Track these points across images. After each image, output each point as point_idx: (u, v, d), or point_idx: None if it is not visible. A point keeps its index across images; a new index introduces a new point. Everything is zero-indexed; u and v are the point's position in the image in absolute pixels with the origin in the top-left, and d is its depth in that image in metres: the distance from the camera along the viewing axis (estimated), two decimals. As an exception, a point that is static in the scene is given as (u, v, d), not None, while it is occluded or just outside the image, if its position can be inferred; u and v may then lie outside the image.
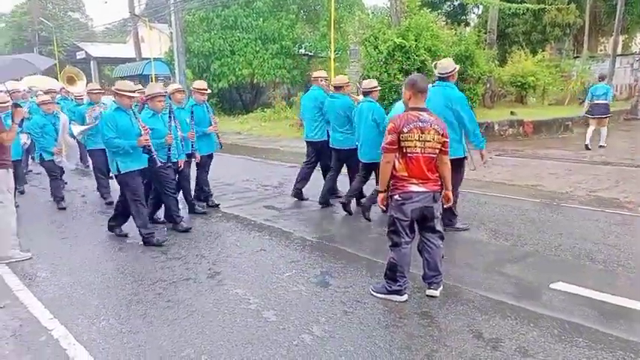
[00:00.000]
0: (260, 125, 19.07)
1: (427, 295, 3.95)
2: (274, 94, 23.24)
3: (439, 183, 3.83)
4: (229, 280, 4.42)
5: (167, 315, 3.75)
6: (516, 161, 10.06)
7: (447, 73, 5.38)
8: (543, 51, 19.14)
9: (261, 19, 21.81)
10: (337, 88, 6.69)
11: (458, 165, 5.19)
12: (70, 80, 12.18)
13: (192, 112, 6.40)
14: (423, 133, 3.66)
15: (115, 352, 3.24)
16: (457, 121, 5.24)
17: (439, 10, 19.25)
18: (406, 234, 3.81)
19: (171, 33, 22.12)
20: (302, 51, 23.98)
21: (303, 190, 7.30)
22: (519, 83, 17.06)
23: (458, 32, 15.84)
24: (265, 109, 21.37)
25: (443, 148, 3.76)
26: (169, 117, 5.76)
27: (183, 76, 20.97)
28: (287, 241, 5.51)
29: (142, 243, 5.45)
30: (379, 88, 6.38)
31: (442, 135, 3.73)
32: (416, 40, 13.09)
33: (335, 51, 16.13)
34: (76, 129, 7.23)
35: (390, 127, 3.72)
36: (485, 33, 16.72)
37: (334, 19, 14.00)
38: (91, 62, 32.65)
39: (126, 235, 5.73)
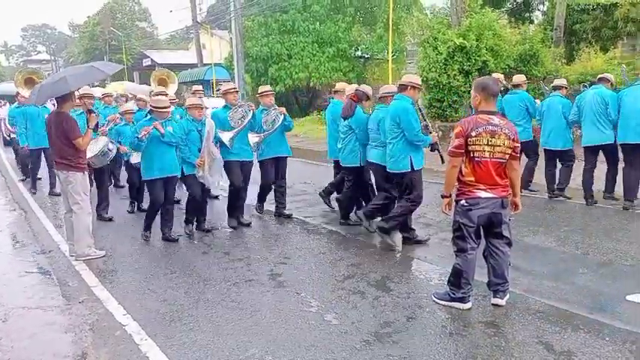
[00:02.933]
0: (317, 128, 19.22)
1: (492, 304, 3.83)
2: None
3: (508, 189, 3.71)
4: (290, 282, 4.49)
5: (232, 315, 3.86)
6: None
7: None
8: (615, 48, 18.06)
9: (318, 23, 22.00)
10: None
11: None
12: (162, 83, 10.92)
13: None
14: (493, 137, 3.55)
15: (184, 349, 3.36)
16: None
17: (502, 8, 18.63)
18: (472, 240, 3.71)
19: (231, 39, 22.79)
20: (358, 53, 23.96)
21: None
22: (588, 83, 16.17)
23: (522, 31, 15.26)
24: (321, 112, 21.52)
25: (513, 154, 3.64)
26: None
27: (242, 80, 21.53)
28: (346, 245, 5.52)
29: (205, 243, 5.68)
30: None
31: (513, 140, 3.60)
32: (477, 40, 12.75)
33: (392, 53, 15.97)
34: (225, 135, 6.02)
35: (458, 131, 3.63)
36: (551, 30, 15.99)
37: (392, 20, 13.87)
38: (156, 68, 34.23)
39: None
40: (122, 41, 37.45)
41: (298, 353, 3.25)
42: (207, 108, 6.80)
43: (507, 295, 3.85)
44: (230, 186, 6.24)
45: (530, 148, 7.27)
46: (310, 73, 21.78)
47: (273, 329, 3.59)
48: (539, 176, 7.46)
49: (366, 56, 24.09)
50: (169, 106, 5.76)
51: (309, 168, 11.04)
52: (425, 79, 13.82)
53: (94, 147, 6.26)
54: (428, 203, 7.23)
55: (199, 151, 5.83)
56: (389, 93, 5.57)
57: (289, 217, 6.66)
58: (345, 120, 5.81)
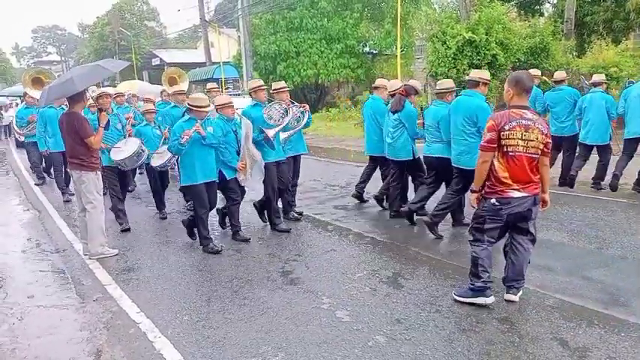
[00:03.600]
0: (325, 125, 19.22)
1: (505, 300, 3.80)
2: (339, 94, 23.34)
3: (539, 185, 3.64)
4: (302, 279, 4.50)
5: (244, 312, 3.87)
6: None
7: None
8: (627, 40, 17.83)
9: (325, 19, 21.97)
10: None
11: None
12: (173, 82, 10.66)
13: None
14: (527, 131, 3.47)
15: (197, 346, 3.39)
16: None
17: (511, 2, 18.47)
18: (492, 236, 3.69)
19: (239, 37, 22.83)
20: (366, 49, 23.89)
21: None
22: (628, 79, 15.95)
23: (531, 23, 15.13)
24: (330, 109, 21.50)
25: (545, 149, 3.57)
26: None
27: (250, 78, 21.56)
28: (357, 242, 5.51)
29: (217, 241, 5.70)
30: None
31: (546, 135, 3.54)
32: (486, 34, 12.68)
33: (401, 48, 15.90)
34: (271, 132, 5.69)
35: (490, 125, 3.54)
36: (562, 23, 15.83)
37: (400, 15, 13.81)
38: (165, 68, 34.40)
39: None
40: (131, 41, 37.67)
41: (310, 350, 3.26)
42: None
43: (520, 292, 3.82)
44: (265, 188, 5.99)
45: (574, 142, 7.47)
46: (318, 70, 21.78)
47: (286, 326, 3.60)
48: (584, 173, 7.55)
49: (374, 52, 24.04)
50: (209, 105, 5.34)
51: (318, 165, 11.04)
52: (434, 73, 13.77)
53: (125, 148, 6.14)
54: (437, 199, 7.21)
55: (238, 153, 5.52)
56: (448, 89, 5.59)
57: (300, 215, 6.62)
58: (394, 114, 5.92)
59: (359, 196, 7.19)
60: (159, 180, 6.92)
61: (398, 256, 5.00)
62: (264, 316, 3.79)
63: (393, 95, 6.14)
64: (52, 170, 9.36)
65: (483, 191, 3.67)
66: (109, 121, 5.55)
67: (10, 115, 15.43)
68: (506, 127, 3.48)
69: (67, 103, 5.39)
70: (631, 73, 16.64)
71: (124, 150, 6.09)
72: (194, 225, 5.54)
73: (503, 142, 3.50)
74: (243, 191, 5.86)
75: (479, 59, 12.76)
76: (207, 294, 4.26)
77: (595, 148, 7.29)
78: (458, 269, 4.56)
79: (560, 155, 7.59)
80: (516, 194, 3.54)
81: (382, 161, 6.72)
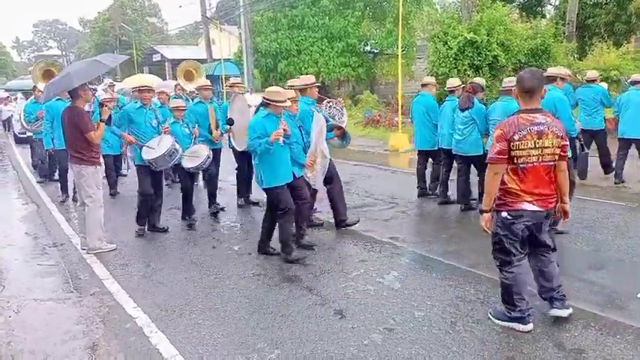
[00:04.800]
0: (326, 123, 19.18)
1: (552, 316, 3.46)
2: (339, 93, 23.31)
3: (556, 198, 3.34)
4: (299, 276, 4.50)
5: (241, 308, 3.88)
6: (597, 160, 9.44)
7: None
8: (628, 43, 17.83)
9: (327, 18, 21.92)
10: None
11: None
12: (188, 76, 9.97)
13: None
14: (540, 138, 3.15)
15: (193, 341, 3.39)
16: None
17: (513, 3, 18.47)
18: (517, 250, 3.35)
19: (240, 34, 22.80)
20: (367, 48, 23.86)
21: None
22: (601, 78, 15.97)
23: (533, 25, 15.11)
24: (332, 108, 21.45)
25: (562, 153, 3.25)
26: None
27: (251, 75, 21.55)
28: (355, 240, 5.51)
29: (214, 237, 5.72)
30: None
31: (562, 138, 3.22)
32: (488, 35, 12.67)
33: (402, 48, 15.88)
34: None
35: (498, 135, 3.22)
36: (564, 25, 15.82)
37: (401, 15, 13.79)
38: (166, 64, 34.37)
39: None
40: (132, 37, 37.62)
41: (306, 348, 3.26)
42: (250, 106, 6.04)
43: (570, 309, 3.46)
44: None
45: (602, 137, 7.99)
46: (319, 68, 21.73)
47: (282, 324, 3.60)
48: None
49: (376, 51, 23.97)
50: (287, 99, 4.90)
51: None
52: (435, 74, 13.75)
53: (158, 146, 5.72)
54: (437, 199, 7.22)
55: (303, 150, 5.15)
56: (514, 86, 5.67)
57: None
58: (463, 112, 6.18)
59: (424, 193, 7.33)
60: (190, 182, 6.46)
61: (396, 255, 5.01)
62: (261, 313, 3.79)
63: (505, 92, 5.90)
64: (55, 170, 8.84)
65: (493, 206, 3.36)
66: (110, 115, 5.53)
67: (9, 109, 15.15)
68: (516, 137, 3.16)
69: (70, 97, 5.39)
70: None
71: (156, 149, 5.70)
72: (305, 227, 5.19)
73: (513, 154, 3.18)
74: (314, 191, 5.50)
75: (480, 60, 12.75)
76: (205, 290, 4.26)
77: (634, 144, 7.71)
78: (455, 269, 4.57)
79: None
80: (529, 207, 3.24)
81: (434, 155, 7.11)
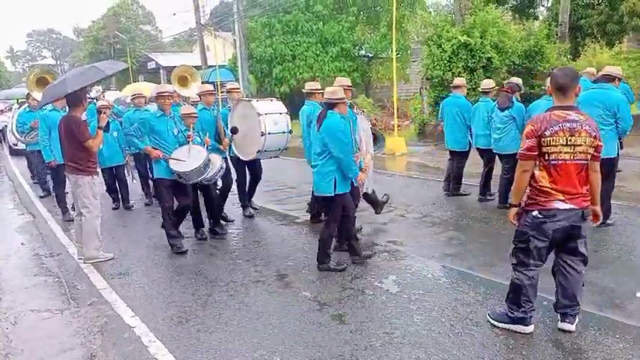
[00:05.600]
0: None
1: (560, 329, 3.39)
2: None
3: (589, 197, 3.25)
4: (297, 282, 4.49)
5: (239, 316, 3.86)
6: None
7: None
8: (620, 43, 17.94)
9: (321, 23, 22.03)
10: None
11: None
12: (183, 82, 9.40)
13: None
14: (572, 135, 3.09)
15: (192, 350, 3.37)
16: None
17: (505, 5, 18.57)
18: (539, 257, 3.28)
19: (234, 40, 22.83)
20: (362, 52, 23.96)
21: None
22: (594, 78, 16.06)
23: (526, 27, 15.21)
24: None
25: (595, 153, 3.17)
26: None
27: (246, 81, 21.56)
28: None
29: (212, 244, 5.70)
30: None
31: (595, 137, 3.13)
32: (481, 37, 12.72)
33: (396, 51, 15.94)
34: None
35: (528, 131, 3.17)
36: (556, 26, 15.90)
37: (395, 19, 13.85)
38: (161, 71, 34.34)
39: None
40: (126, 45, 37.61)
41: (306, 353, 3.25)
42: (260, 114, 6.02)
43: (577, 320, 3.39)
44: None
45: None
46: (314, 73, 21.80)
47: (281, 330, 3.59)
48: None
49: (370, 55, 24.08)
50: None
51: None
52: (429, 76, 13.80)
53: (189, 157, 5.36)
54: (434, 202, 7.24)
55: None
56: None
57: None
58: (502, 111, 6.48)
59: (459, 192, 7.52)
60: (202, 194, 6.04)
61: (394, 259, 5.00)
62: (260, 319, 3.78)
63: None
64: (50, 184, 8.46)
65: (523, 204, 3.30)
66: (108, 122, 5.47)
67: (3, 120, 14.90)
68: (547, 133, 3.10)
69: (67, 106, 5.35)
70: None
71: (187, 160, 5.31)
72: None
73: (544, 150, 3.13)
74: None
75: (474, 62, 12.80)
76: (203, 298, 4.24)
77: None
78: (453, 272, 4.57)
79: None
80: (562, 205, 3.15)
81: (463, 155, 7.37)
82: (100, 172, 6.23)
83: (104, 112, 5.49)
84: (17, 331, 3.80)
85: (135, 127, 5.56)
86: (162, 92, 5.63)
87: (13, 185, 10.65)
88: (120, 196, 7.84)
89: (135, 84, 17.79)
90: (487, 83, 7.20)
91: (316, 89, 6.24)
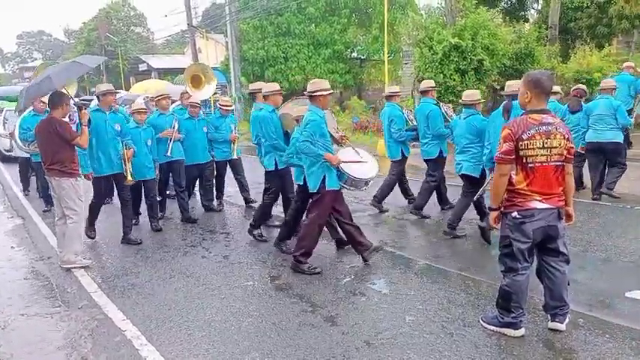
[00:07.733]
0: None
1: (550, 329, 3.42)
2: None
3: (563, 197, 3.30)
4: (289, 284, 4.49)
5: (232, 318, 3.85)
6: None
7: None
8: (609, 45, 18.12)
9: (313, 25, 22.06)
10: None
11: None
12: (196, 82, 8.21)
13: None
14: (548, 138, 3.14)
15: (184, 354, 3.36)
16: None
17: (496, 7, 18.67)
18: (524, 258, 3.28)
19: (226, 42, 22.78)
20: (354, 55, 24.01)
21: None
22: (584, 80, 16.22)
23: (517, 29, 15.29)
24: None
25: (568, 156, 3.23)
26: None
27: (238, 83, 21.52)
28: (345, 247, 5.50)
29: (204, 247, 5.67)
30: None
31: (568, 140, 3.21)
32: (472, 40, 12.78)
33: (388, 53, 15.99)
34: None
35: (505, 134, 3.20)
36: (546, 29, 16.04)
37: (387, 21, 13.89)
38: (152, 73, 34.22)
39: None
40: (118, 47, 37.42)
41: (298, 355, 3.24)
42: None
43: (567, 319, 3.42)
44: None
45: None
46: (307, 75, 21.81)
47: (273, 332, 3.59)
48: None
49: (362, 57, 24.13)
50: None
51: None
52: (421, 78, 13.83)
53: (365, 159, 5.07)
54: (430, 203, 7.25)
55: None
56: (612, 87, 7.03)
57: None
58: (573, 114, 7.09)
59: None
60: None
61: (386, 260, 5.01)
62: (252, 322, 3.77)
63: (604, 90, 7.10)
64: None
65: (502, 207, 3.34)
66: (89, 119, 5.28)
67: None
68: (524, 137, 3.14)
69: (48, 107, 5.26)
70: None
71: (368, 163, 5.06)
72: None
73: (521, 153, 3.17)
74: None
75: (465, 64, 12.86)
76: (195, 301, 4.22)
77: None
78: (445, 273, 4.59)
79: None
80: (539, 205, 3.20)
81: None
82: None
83: (84, 108, 5.21)
84: (7, 336, 3.76)
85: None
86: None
87: (3, 188, 10.54)
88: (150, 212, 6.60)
89: (145, 82, 17.04)
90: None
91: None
